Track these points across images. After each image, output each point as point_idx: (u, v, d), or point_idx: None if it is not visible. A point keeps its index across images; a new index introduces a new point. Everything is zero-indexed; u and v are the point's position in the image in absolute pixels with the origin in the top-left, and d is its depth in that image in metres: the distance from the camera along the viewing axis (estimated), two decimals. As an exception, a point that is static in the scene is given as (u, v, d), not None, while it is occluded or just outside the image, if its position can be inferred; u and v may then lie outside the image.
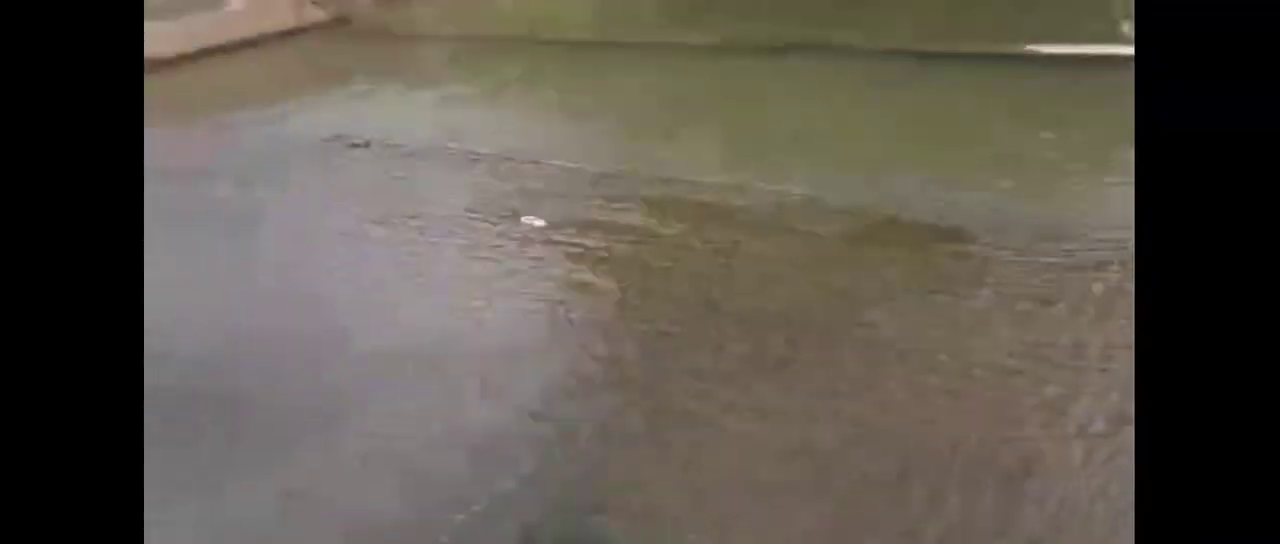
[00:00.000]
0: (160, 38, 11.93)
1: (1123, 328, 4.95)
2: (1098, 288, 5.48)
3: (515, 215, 7.07)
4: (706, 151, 9.05)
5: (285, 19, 17.05)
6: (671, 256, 6.46)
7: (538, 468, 4.22)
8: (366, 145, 9.74)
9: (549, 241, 6.60)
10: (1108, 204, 7.05)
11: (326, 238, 7.16)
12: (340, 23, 18.26)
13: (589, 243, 6.66)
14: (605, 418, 4.58)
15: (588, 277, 6.24)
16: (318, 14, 17.92)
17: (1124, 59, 12.17)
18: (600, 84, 11.53)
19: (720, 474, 4.10)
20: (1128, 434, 4.11)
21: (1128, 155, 6.80)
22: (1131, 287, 5.63)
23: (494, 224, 7.16)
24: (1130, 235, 5.93)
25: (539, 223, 6.86)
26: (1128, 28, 13.70)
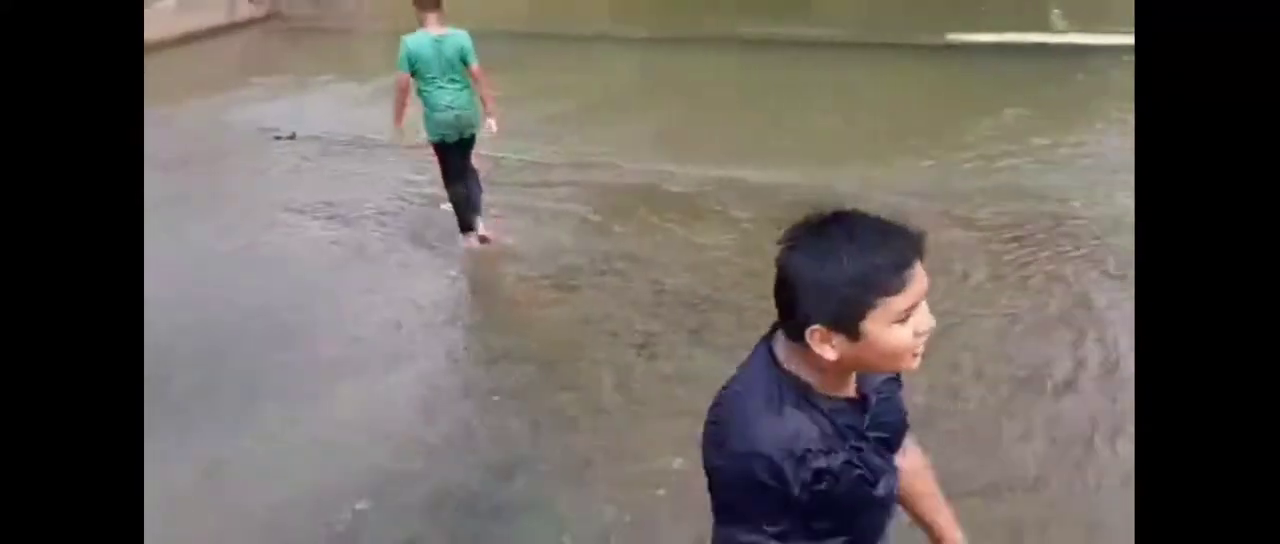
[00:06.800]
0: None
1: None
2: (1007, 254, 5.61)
3: (434, 203, 7.00)
4: (636, 140, 9.12)
5: (217, 15, 16.85)
6: (593, 239, 6.48)
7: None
8: (293, 137, 9.65)
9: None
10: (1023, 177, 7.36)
11: (248, 224, 7.06)
12: (274, 18, 18.08)
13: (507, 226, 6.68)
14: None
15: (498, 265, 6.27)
16: (251, 9, 17.73)
17: (1054, 47, 12.45)
18: (532, 76, 11.51)
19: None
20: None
21: (1043, 138, 6.90)
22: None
23: (411, 211, 7.18)
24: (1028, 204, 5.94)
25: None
26: (1059, 17, 13.97)
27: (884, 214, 1.51)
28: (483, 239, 6.40)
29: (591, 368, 4.75)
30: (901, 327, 1.46)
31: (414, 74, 6.02)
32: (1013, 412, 4.18)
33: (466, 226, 6.41)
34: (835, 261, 1.43)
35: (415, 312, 5.61)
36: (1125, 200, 6.77)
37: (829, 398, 1.54)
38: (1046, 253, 5.84)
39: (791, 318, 1.50)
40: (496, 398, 4.57)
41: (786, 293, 1.49)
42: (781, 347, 1.56)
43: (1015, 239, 6.05)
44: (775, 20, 13.73)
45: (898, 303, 1.44)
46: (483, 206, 6.47)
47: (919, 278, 1.45)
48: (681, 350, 4.88)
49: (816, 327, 1.45)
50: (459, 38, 6.01)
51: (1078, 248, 5.90)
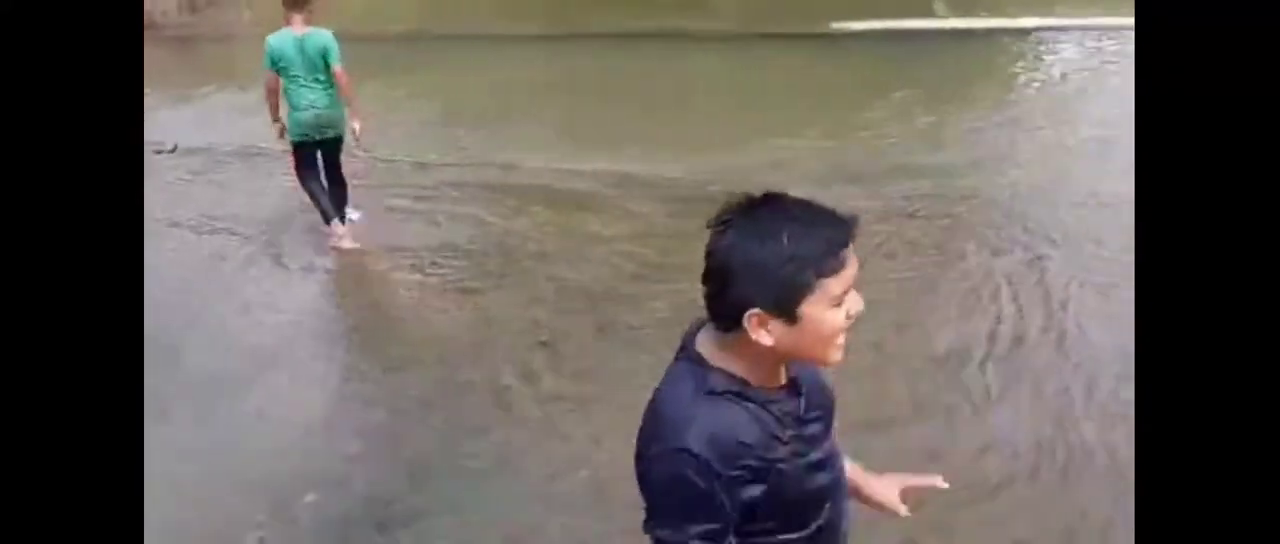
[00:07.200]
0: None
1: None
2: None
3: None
4: (530, 138, 9.05)
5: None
6: (492, 239, 6.41)
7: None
8: (174, 150, 9.30)
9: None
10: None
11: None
12: (148, 28, 17.38)
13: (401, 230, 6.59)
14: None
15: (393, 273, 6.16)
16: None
17: (935, 32, 12.76)
18: (422, 77, 11.34)
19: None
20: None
21: (931, 117, 7.11)
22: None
23: (302, 219, 6.98)
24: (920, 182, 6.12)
25: (355, 215, 6.65)
26: (940, 3, 14.32)
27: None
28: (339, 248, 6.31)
29: (498, 369, 4.69)
30: (836, 309, 1.45)
31: (279, 72, 5.93)
32: (908, 387, 4.30)
33: (329, 217, 6.29)
34: (775, 242, 1.40)
35: (314, 321, 5.48)
36: (1004, 179, 7.04)
37: (763, 389, 1.50)
38: (937, 229, 6.00)
39: (725, 303, 1.45)
40: (404, 405, 4.49)
41: (721, 277, 1.45)
42: (707, 345, 1.53)
43: (907, 216, 6.21)
44: (664, 14, 13.78)
45: (834, 285, 1.43)
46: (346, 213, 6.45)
47: (852, 261, 1.44)
48: (587, 345, 4.87)
49: (755, 311, 1.42)
50: (322, 37, 5.91)
51: (967, 223, 6.08)
